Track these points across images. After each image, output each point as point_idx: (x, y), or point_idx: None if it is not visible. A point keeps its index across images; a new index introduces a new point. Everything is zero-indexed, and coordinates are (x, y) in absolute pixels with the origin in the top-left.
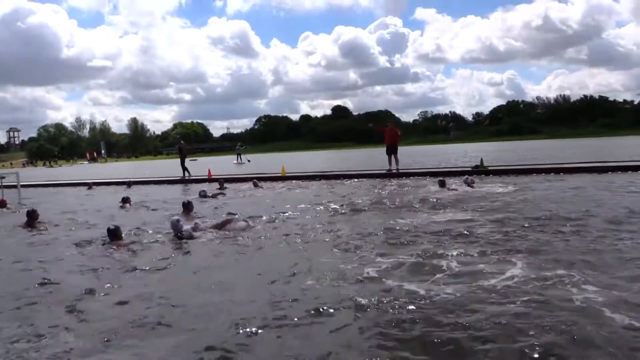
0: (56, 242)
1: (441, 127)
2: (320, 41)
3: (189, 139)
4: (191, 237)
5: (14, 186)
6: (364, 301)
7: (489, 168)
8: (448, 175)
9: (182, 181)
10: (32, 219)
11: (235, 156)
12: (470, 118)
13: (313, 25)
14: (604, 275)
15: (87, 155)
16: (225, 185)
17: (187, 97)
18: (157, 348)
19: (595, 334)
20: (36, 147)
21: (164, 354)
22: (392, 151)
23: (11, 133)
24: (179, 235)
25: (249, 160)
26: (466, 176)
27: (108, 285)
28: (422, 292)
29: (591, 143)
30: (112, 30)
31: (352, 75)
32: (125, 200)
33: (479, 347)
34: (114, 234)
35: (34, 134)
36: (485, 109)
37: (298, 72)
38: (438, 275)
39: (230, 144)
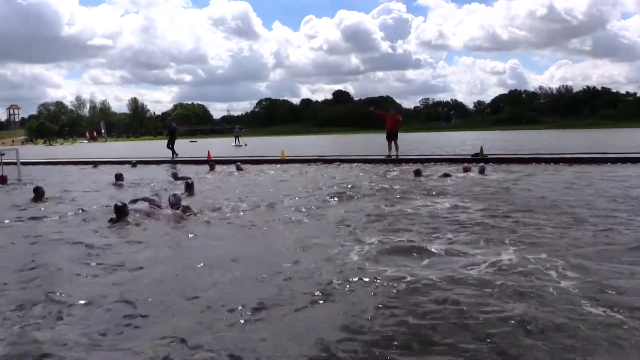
0: (64, 217)
1: (442, 115)
2: (323, 25)
3: (189, 120)
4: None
5: (14, 163)
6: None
7: (489, 156)
8: (448, 162)
9: (173, 162)
10: (39, 195)
11: (234, 139)
12: (471, 106)
13: (315, 9)
14: (589, 264)
15: (87, 134)
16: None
17: (188, 78)
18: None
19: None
20: (36, 125)
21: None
22: (392, 137)
23: (11, 110)
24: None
25: (245, 144)
26: (482, 164)
27: (109, 260)
28: (406, 277)
29: (593, 134)
30: (113, 8)
31: (354, 60)
32: (119, 177)
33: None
34: (121, 211)
35: (34, 112)
36: (487, 98)
37: (299, 55)
38: (421, 261)
39: (230, 126)
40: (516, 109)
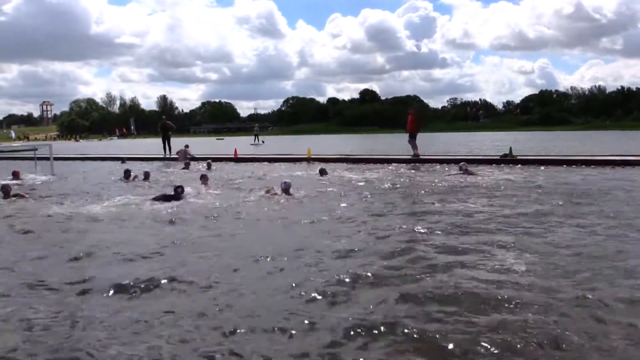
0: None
1: (470, 115)
2: (347, 24)
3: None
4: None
5: (47, 158)
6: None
7: (518, 157)
8: (476, 162)
9: (164, 158)
10: (5, 193)
11: (253, 137)
12: (500, 106)
13: (339, 8)
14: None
15: (117, 131)
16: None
17: (214, 76)
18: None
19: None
20: (68, 121)
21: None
22: (410, 137)
23: (44, 107)
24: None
25: (263, 142)
26: (462, 163)
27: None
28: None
29: (628, 135)
30: (141, 7)
31: (379, 59)
32: (127, 173)
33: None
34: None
35: (66, 108)
36: (516, 98)
37: (324, 54)
38: (424, 262)
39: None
40: (546, 109)
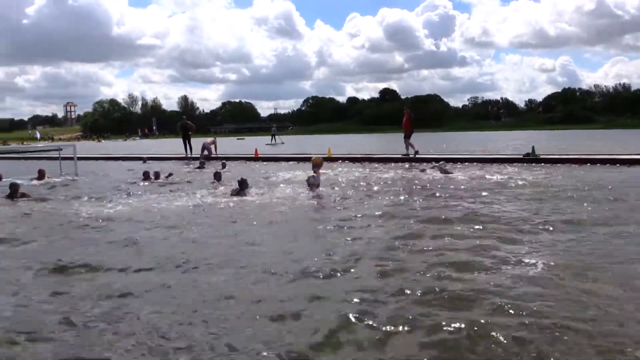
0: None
1: (491, 113)
2: (365, 23)
3: (237, 118)
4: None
5: (71, 158)
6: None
7: (541, 156)
8: (497, 162)
9: (186, 158)
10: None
11: (270, 137)
12: (522, 105)
13: (356, 7)
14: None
15: (139, 131)
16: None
17: (233, 76)
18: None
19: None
20: (91, 122)
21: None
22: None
23: (68, 107)
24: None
25: (283, 142)
26: (442, 162)
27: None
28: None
29: None
30: (161, 9)
31: (398, 58)
32: (146, 174)
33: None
34: (244, 184)
35: (89, 109)
36: (537, 96)
37: (342, 54)
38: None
39: (278, 124)
40: (569, 107)
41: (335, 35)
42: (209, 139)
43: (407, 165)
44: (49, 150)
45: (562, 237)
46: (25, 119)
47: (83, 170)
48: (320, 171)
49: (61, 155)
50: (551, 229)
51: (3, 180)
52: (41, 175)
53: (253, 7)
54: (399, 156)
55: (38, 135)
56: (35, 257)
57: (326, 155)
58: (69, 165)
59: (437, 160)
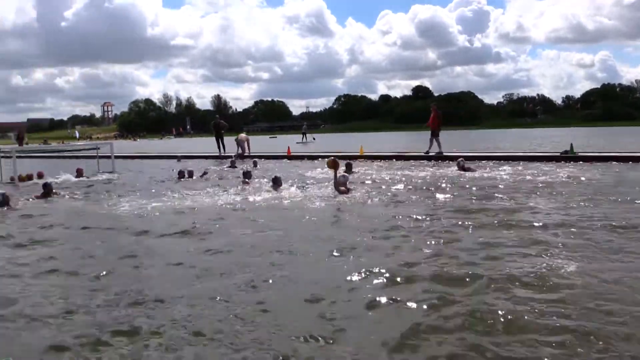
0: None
1: (528, 110)
2: (397, 20)
3: (270, 116)
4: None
5: (108, 157)
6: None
7: (579, 154)
8: (534, 160)
9: (220, 156)
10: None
11: (301, 136)
12: (559, 101)
13: (388, 4)
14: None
15: (173, 130)
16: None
17: (265, 75)
18: None
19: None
20: (128, 121)
21: None
22: (432, 135)
23: (105, 107)
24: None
25: (314, 139)
26: (461, 159)
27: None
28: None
29: None
30: (194, 10)
31: (430, 55)
32: (181, 173)
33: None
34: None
35: (125, 108)
36: (575, 92)
37: (374, 51)
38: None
39: (309, 122)
40: (609, 103)
41: (366, 32)
42: (243, 135)
43: (432, 163)
44: (87, 149)
45: (599, 238)
46: (65, 118)
47: (120, 168)
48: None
49: (99, 154)
50: (589, 230)
51: (44, 178)
52: (79, 173)
53: (285, 5)
54: (432, 154)
55: (77, 135)
56: (91, 246)
57: (356, 153)
58: (106, 163)
59: (469, 158)
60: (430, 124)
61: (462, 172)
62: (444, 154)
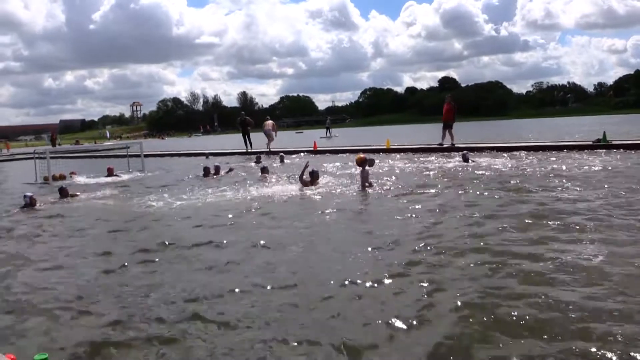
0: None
1: (558, 99)
2: (421, 11)
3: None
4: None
5: (138, 155)
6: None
7: (612, 142)
8: (565, 149)
9: (247, 153)
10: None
11: (325, 130)
12: (591, 89)
13: None
14: None
15: (200, 127)
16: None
17: (290, 71)
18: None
19: None
20: (156, 120)
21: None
22: (446, 127)
23: (134, 107)
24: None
25: (337, 135)
26: (465, 151)
27: None
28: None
29: None
30: (218, 8)
31: (456, 45)
32: (206, 170)
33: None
34: (316, 175)
35: (153, 107)
36: (608, 79)
37: (398, 44)
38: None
39: (335, 117)
40: None
41: (391, 25)
42: (268, 122)
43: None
44: (117, 149)
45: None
46: (96, 119)
47: (149, 167)
48: (377, 163)
49: (129, 153)
50: (620, 220)
51: (75, 177)
52: (110, 172)
53: (307, 0)
54: (459, 146)
55: (108, 134)
56: (132, 241)
57: (384, 146)
58: (136, 162)
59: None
60: (444, 115)
61: (467, 164)
62: (444, 145)
